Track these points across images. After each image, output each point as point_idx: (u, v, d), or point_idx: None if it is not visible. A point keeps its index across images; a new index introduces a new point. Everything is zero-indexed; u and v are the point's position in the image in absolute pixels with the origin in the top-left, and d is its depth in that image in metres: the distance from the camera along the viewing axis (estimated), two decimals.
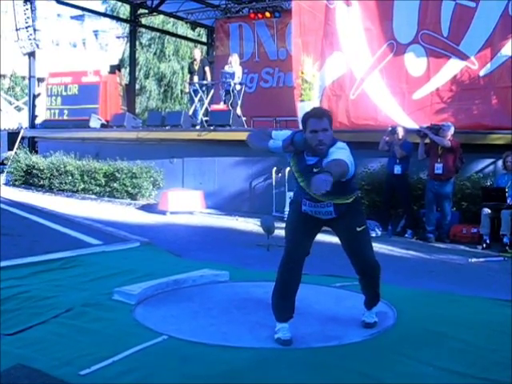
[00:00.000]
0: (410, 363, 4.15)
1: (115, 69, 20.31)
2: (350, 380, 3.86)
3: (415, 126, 11.15)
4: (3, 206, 13.17)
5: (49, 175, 16.70)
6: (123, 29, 33.83)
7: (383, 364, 4.13)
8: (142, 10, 21.88)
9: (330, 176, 3.87)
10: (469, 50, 11.83)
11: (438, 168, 10.03)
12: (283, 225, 10.98)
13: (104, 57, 42.16)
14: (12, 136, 21.68)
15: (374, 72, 12.92)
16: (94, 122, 17.48)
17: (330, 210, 4.66)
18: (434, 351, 4.40)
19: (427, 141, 10.34)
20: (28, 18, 18.77)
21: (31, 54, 19.20)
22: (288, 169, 12.33)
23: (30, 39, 18.86)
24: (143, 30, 27.37)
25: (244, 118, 15.09)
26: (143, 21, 23.07)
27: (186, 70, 25.09)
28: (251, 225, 11.47)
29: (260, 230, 9.59)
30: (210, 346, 4.43)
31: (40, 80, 23.36)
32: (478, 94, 11.76)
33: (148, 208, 13.63)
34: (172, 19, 26.73)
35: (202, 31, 26.76)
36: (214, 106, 15.74)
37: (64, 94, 19.06)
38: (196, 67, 16.55)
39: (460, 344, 4.57)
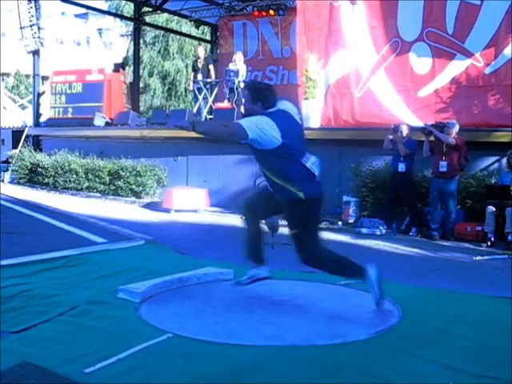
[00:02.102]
0: (414, 361, 4.14)
1: (119, 67, 20.30)
2: (354, 378, 3.85)
3: (420, 124, 11.15)
4: (8, 204, 13.19)
5: (53, 173, 16.72)
6: (127, 27, 33.97)
7: (388, 362, 4.12)
8: (146, 8, 21.91)
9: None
10: (474, 47, 11.82)
11: (443, 166, 10.01)
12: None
13: (108, 55, 42.21)
14: (16, 134, 21.74)
15: (379, 70, 12.92)
16: (99, 120, 17.50)
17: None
18: (439, 349, 4.39)
19: (432, 138, 10.33)
20: (32, 16, 18.80)
21: (35, 53, 19.22)
22: None
23: (34, 37, 18.89)
24: (147, 28, 27.39)
25: None
26: (147, 19, 23.07)
27: (190, 68, 25.12)
28: None
29: (264, 228, 9.56)
30: (214, 344, 4.43)
31: (44, 78, 23.37)
32: (483, 91, 11.75)
33: (152, 206, 13.64)
34: (176, 17, 26.80)
35: (206, 29, 26.75)
36: (218, 104, 15.75)
37: (68, 92, 19.08)
38: (200, 65, 16.56)
39: (465, 342, 4.56)
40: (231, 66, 15.35)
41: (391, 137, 10.74)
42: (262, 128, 4.87)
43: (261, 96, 5.17)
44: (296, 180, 5.03)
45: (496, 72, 11.59)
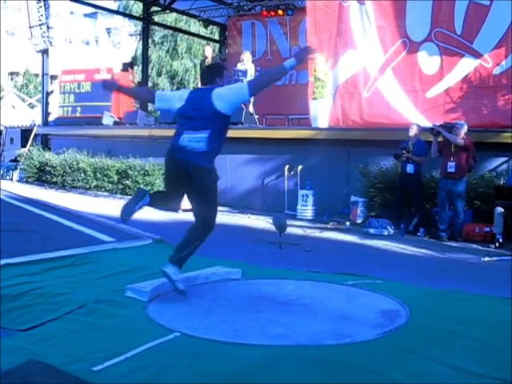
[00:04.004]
0: (422, 362, 4.14)
1: (128, 66, 20.39)
2: (361, 378, 3.85)
3: (428, 125, 11.12)
4: (16, 202, 13.24)
5: (62, 172, 16.78)
6: (136, 26, 33.99)
7: (395, 362, 4.12)
8: (154, 8, 21.96)
9: None
10: (482, 48, 11.79)
11: (451, 166, 9.98)
12: (295, 223, 11.01)
13: (117, 54, 42.30)
14: (25, 133, 21.83)
15: (388, 70, 12.91)
16: (107, 120, 17.55)
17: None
18: (447, 350, 4.38)
19: (440, 139, 10.30)
20: (41, 15, 18.89)
21: (44, 52, 19.30)
22: (300, 167, 12.35)
23: (43, 37, 18.98)
24: (156, 27, 27.46)
25: (256, 116, 15.08)
26: (156, 18, 23.13)
27: (198, 68, 25.16)
28: (263, 222, 11.47)
29: (272, 227, 9.58)
30: (221, 343, 4.43)
31: (53, 77, 23.47)
32: (492, 92, 11.72)
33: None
34: (185, 17, 26.83)
35: (215, 29, 26.81)
36: None
37: (77, 91, 19.17)
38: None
39: (472, 343, 4.55)
40: (239, 66, 15.34)
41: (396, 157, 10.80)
42: (169, 96, 5.99)
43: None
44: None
45: (505, 73, 11.56)
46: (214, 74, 5.72)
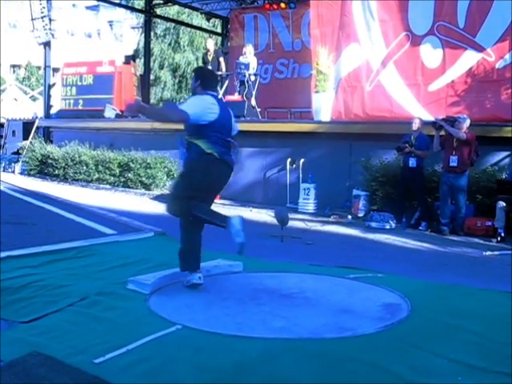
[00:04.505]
0: (423, 355, 4.14)
1: (130, 59, 20.33)
2: (362, 371, 3.85)
3: (431, 118, 11.11)
4: (18, 195, 13.25)
5: (63, 165, 16.77)
6: (138, 19, 33.90)
7: (396, 356, 4.12)
8: (157, 1, 21.89)
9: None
10: (485, 41, 11.77)
11: (453, 160, 9.97)
12: (297, 216, 10.98)
13: (119, 47, 42.26)
14: (27, 126, 21.82)
15: (390, 64, 12.89)
16: (109, 112, 17.52)
17: None
18: (448, 344, 4.38)
19: (442, 133, 10.29)
20: (43, 8, 18.88)
21: (46, 44, 19.27)
22: (302, 160, 12.34)
23: (45, 29, 18.95)
24: (158, 20, 27.36)
25: (258, 109, 15.06)
26: (158, 11, 23.05)
27: (200, 61, 25.13)
28: (265, 216, 11.47)
29: (274, 220, 9.58)
30: (223, 335, 4.44)
31: (55, 70, 23.45)
32: (495, 86, 11.70)
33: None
34: (187, 10, 26.72)
35: (217, 22, 26.70)
36: (229, 97, 15.72)
37: (79, 84, 19.12)
38: (210, 58, 16.49)
39: (474, 337, 4.55)
40: (242, 59, 15.32)
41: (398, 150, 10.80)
42: (204, 107, 5.58)
43: (202, 77, 5.89)
44: (210, 143, 5.70)
45: (508, 66, 11.53)
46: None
